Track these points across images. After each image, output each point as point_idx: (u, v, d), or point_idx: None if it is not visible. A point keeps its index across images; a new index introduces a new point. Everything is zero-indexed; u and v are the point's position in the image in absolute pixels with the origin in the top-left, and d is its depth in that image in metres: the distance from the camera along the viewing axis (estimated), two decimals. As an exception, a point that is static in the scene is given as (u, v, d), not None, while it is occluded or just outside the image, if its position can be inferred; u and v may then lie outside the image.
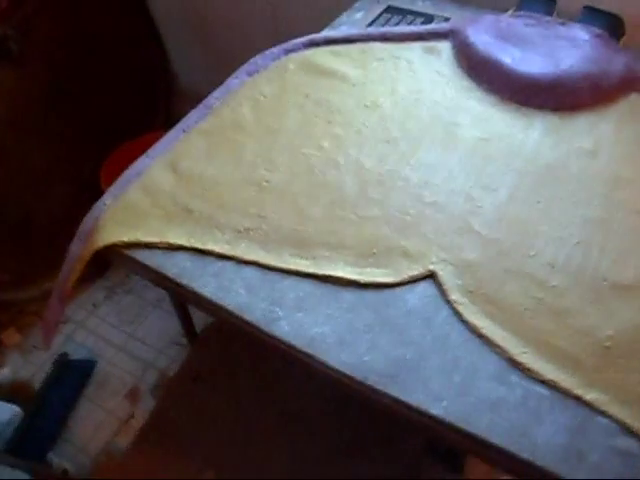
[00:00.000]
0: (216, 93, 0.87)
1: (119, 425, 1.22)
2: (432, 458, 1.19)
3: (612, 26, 0.87)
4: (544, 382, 0.59)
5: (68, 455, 1.21)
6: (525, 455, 0.55)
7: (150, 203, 0.75)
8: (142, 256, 0.71)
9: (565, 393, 0.58)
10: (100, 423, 1.23)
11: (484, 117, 0.82)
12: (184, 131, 0.83)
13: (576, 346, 0.61)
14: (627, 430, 0.56)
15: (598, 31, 0.85)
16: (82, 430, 1.25)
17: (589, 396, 0.57)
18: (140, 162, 0.80)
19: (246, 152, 0.80)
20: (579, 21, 0.88)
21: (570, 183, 0.74)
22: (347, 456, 0.79)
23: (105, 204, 0.76)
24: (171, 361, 1.30)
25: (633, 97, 0.82)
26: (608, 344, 0.61)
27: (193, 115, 0.85)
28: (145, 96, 1.63)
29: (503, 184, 0.74)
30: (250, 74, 0.89)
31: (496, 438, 0.56)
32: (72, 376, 1.33)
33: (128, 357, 1.34)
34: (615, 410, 0.57)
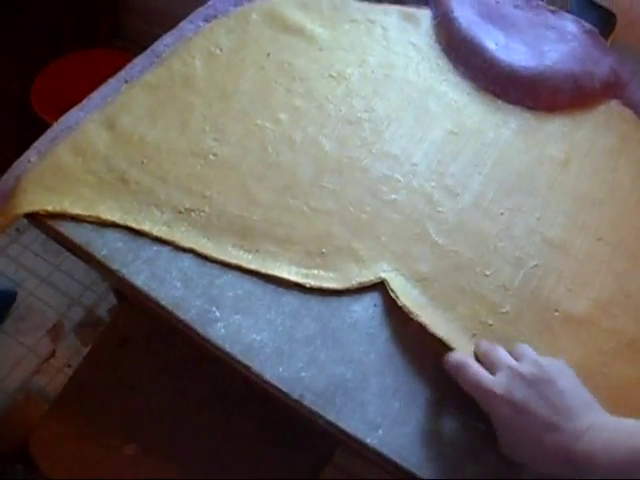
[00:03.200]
0: (167, 39, 0.77)
1: (39, 363, 1.17)
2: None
3: (603, 21, 0.81)
4: (482, 415, 0.58)
5: (-18, 392, 1.17)
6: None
7: (81, 166, 0.67)
8: (68, 230, 0.64)
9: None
10: (18, 359, 1.18)
11: (456, 106, 0.76)
12: (126, 81, 0.74)
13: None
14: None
15: (588, 26, 0.79)
16: (-2, 366, 1.20)
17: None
18: (72, 114, 0.71)
19: (195, 116, 0.72)
20: (570, 10, 0.82)
21: (537, 196, 0.71)
22: (275, 436, 0.78)
23: (29, 161, 0.67)
24: (98, 299, 1.24)
25: (613, 104, 0.78)
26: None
27: (138, 63, 0.75)
28: (86, 4, 1.45)
29: (467, 189, 0.70)
30: (207, 19, 0.79)
31: (426, 474, 0.55)
32: (-12, 307, 1.26)
33: (52, 290, 1.27)
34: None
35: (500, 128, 0.75)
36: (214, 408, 0.82)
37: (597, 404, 0.53)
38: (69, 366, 1.16)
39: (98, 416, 0.81)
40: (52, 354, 1.18)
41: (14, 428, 1.06)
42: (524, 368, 0.54)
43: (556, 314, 0.63)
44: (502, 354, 0.57)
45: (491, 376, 0.55)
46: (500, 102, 0.77)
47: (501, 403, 0.53)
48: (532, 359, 0.55)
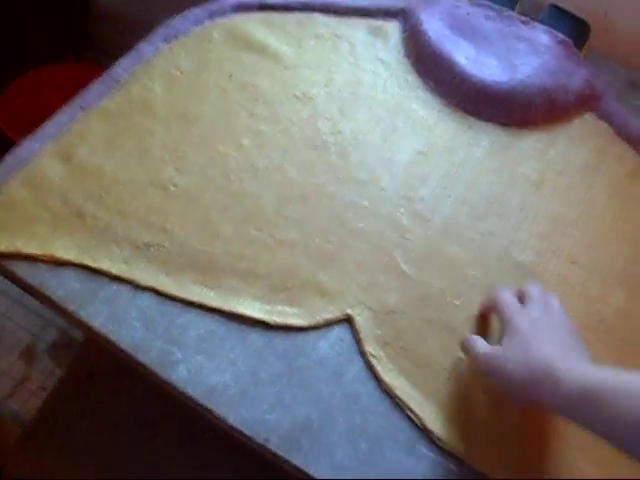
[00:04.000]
0: (124, 62, 0.75)
1: (13, 386, 1.15)
2: None
3: (577, 31, 0.79)
4: (454, 455, 0.57)
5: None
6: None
7: (35, 201, 0.65)
8: (22, 270, 0.62)
9: (473, 469, 0.57)
10: (-9, 385, 1.17)
11: (426, 125, 0.75)
12: (82, 109, 0.71)
13: (492, 418, 0.59)
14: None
15: (562, 37, 0.77)
16: (-29, 388, 1.18)
17: (498, 476, 0.56)
18: (25, 145, 0.68)
19: (154, 143, 0.70)
20: (542, 20, 0.80)
21: (509, 219, 0.69)
22: (249, 466, 0.77)
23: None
24: (72, 319, 1.23)
25: (588, 117, 0.77)
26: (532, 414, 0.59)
27: (94, 88, 0.73)
28: (55, 14, 1.40)
29: (437, 213, 0.69)
30: (167, 40, 0.77)
31: (397, 519, 0.54)
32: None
33: (25, 311, 1.24)
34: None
35: (471, 147, 0.74)
36: (185, 442, 0.80)
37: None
38: (44, 389, 1.14)
39: (68, 448, 0.80)
40: (26, 377, 1.16)
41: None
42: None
43: (529, 344, 0.62)
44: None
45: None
46: (472, 119, 0.76)
47: (521, 315, 0.55)
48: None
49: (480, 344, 0.56)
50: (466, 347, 0.58)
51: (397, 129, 0.74)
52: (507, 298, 0.58)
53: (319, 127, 0.73)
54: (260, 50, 0.78)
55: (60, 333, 1.19)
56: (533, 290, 0.59)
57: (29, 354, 1.19)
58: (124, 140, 0.70)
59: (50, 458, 0.80)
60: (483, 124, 0.75)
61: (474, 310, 0.63)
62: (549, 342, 0.52)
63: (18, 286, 0.64)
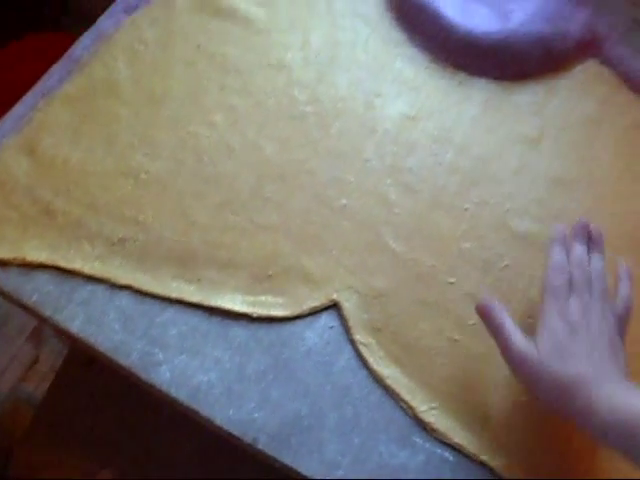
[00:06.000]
0: (84, 40, 0.71)
1: (23, 370, 1.17)
2: None
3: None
4: (451, 445, 0.55)
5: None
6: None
7: (1, 201, 0.63)
8: (-6, 276, 0.61)
9: (470, 458, 0.55)
10: (3, 368, 1.18)
11: (413, 85, 0.70)
12: (44, 95, 0.68)
13: (489, 401, 0.57)
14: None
15: (557, -24, 0.71)
16: (-18, 378, 1.20)
17: (494, 463, 0.54)
18: (-13, 141, 0.66)
19: (121, 129, 0.67)
20: (536, -43, 0.73)
21: (505, 183, 0.66)
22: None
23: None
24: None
25: (590, 64, 0.71)
26: (525, 398, 0.57)
27: (55, 72, 0.70)
28: None
29: (427, 183, 0.65)
30: (128, 11, 0.73)
31: (392, 513, 0.53)
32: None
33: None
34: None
35: (462, 106, 0.69)
36: (185, 425, 0.80)
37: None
38: (54, 371, 1.16)
39: (72, 440, 0.81)
40: (36, 360, 1.18)
41: (1, 437, 1.07)
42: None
43: (530, 321, 0.59)
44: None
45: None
46: (462, 75, 0.71)
47: (561, 314, 0.52)
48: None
49: (516, 336, 0.51)
50: (495, 327, 0.52)
51: (381, 93, 0.70)
52: (554, 281, 0.53)
53: (296, 96, 0.69)
54: (228, 15, 0.73)
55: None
56: (581, 276, 0.54)
57: (36, 336, 1.20)
58: (90, 127, 0.67)
59: (54, 454, 0.81)
60: (474, 80, 0.71)
61: (470, 288, 0.61)
62: (586, 357, 0.49)
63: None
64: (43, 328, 1.20)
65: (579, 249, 0.56)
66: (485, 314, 0.53)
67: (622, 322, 0.54)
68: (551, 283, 0.53)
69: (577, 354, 0.49)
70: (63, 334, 0.61)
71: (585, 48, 0.70)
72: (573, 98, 0.70)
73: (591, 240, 0.57)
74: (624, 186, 0.65)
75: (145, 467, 0.79)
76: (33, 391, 1.14)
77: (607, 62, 0.71)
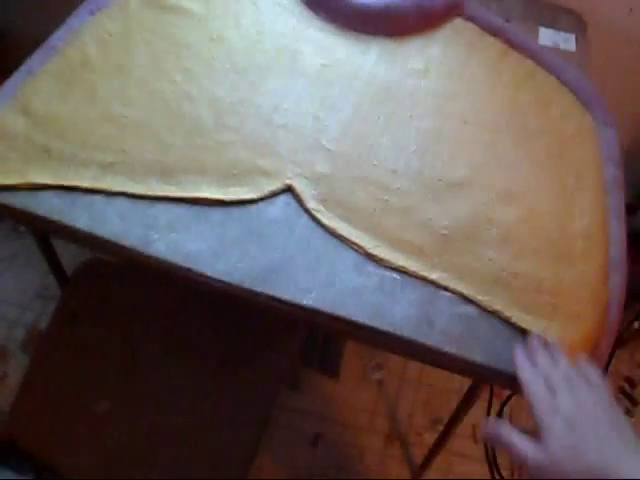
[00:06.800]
0: (58, 33, 0.89)
1: (-9, 387, 1.23)
2: (308, 365, 1.34)
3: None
4: (395, 269, 0.72)
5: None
6: (386, 328, 0.68)
7: (6, 147, 0.78)
8: (5, 199, 0.74)
9: (413, 276, 0.72)
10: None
11: (325, 45, 0.92)
12: (30, 73, 0.85)
13: (419, 236, 0.75)
14: (465, 299, 0.71)
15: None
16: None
17: (433, 276, 0.72)
18: (-15, 107, 0.81)
19: (99, 90, 0.84)
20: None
21: (405, 100, 0.87)
22: (232, 365, 0.90)
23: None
24: (38, 315, 1.32)
25: (457, 22, 0.97)
26: (445, 232, 0.75)
27: (36, 57, 0.87)
28: None
29: (346, 104, 0.86)
30: (92, 12, 0.92)
31: (360, 318, 0.69)
32: None
33: (-13, 319, 1.33)
34: (454, 285, 0.72)
35: (365, 55, 0.92)
36: (170, 358, 0.92)
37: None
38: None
39: (66, 385, 0.90)
40: (4, 375, 1.23)
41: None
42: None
43: (440, 182, 0.79)
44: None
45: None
46: (361, 35, 0.94)
47: (554, 413, 0.54)
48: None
49: (521, 444, 0.53)
50: (507, 446, 0.54)
51: (301, 51, 0.91)
52: (533, 387, 0.56)
53: (236, 59, 0.89)
54: (174, 9, 0.94)
55: (29, 330, 1.28)
56: (556, 375, 0.57)
57: (2, 355, 1.26)
58: (73, 91, 0.84)
59: (51, 400, 0.89)
60: (371, 37, 0.94)
61: (390, 166, 0.80)
62: (595, 447, 0.51)
63: (3, 214, 0.76)
64: (7, 347, 1.26)
65: (543, 355, 0.60)
66: (495, 440, 0.56)
67: (608, 390, 0.57)
68: (532, 390, 0.56)
69: (584, 448, 0.51)
70: (68, 234, 0.74)
71: (451, 9, 0.96)
72: (448, 43, 0.94)
73: (548, 349, 0.62)
74: (495, 93, 0.89)
75: (138, 395, 0.89)
76: (2, 406, 1.18)
77: (470, 19, 0.96)
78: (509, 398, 1.36)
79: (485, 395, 1.37)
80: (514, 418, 1.32)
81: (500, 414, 1.32)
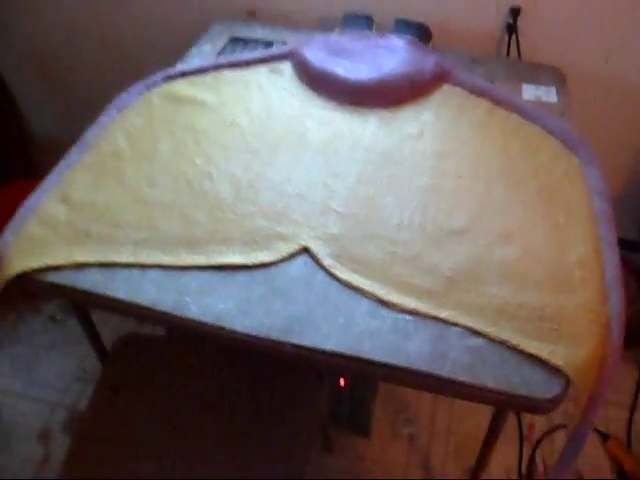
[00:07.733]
0: (90, 130, 1.02)
1: (36, 468, 1.28)
2: (338, 425, 1.38)
3: (421, 33, 1.13)
4: (407, 311, 0.79)
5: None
6: (403, 364, 0.75)
7: (51, 233, 0.88)
8: (53, 278, 0.84)
9: (424, 316, 0.79)
10: (14, 473, 1.29)
11: (328, 120, 1.04)
12: (68, 167, 0.96)
13: (427, 281, 0.83)
14: (474, 332, 0.78)
15: (410, 38, 1.10)
16: (-2, 483, 1.30)
17: (443, 314, 0.79)
18: (31, 200, 0.92)
19: (129, 176, 0.96)
20: (393, 32, 1.12)
21: (404, 162, 0.97)
22: (260, 422, 0.96)
23: (7, 242, 0.87)
24: (78, 396, 1.40)
25: (446, 87, 1.08)
26: (450, 275, 0.83)
27: (74, 152, 0.98)
28: None
29: (351, 171, 0.96)
30: (119, 110, 1.05)
31: (378, 356, 0.76)
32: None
33: (31, 402, 1.41)
34: (463, 320, 0.79)
35: (365, 125, 1.03)
36: (205, 418, 0.98)
37: None
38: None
39: (109, 456, 0.96)
40: (47, 457, 1.30)
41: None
42: None
43: (441, 232, 0.88)
44: None
45: None
46: (360, 109, 1.06)
47: None
48: None
49: None
50: None
51: (307, 128, 1.03)
52: None
53: (248, 140, 1.01)
54: (190, 101, 1.07)
55: (69, 411, 1.35)
56: None
57: (45, 436, 1.33)
58: (106, 180, 0.95)
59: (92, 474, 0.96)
60: (369, 109, 1.05)
61: (396, 221, 0.89)
62: None
63: (51, 295, 0.85)
64: (51, 429, 1.33)
65: None
66: None
67: None
68: None
69: None
70: (109, 305, 0.83)
71: (439, 78, 1.07)
72: (439, 107, 1.05)
73: None
74: (484, 148, 0.99)
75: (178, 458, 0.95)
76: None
77: (457, 84, 1.07)
78: (539, 442, 1.38)
79: (516, 436, 1.40)
80: (546, 460, 1.35)
81: (532, 458, 1.34)
